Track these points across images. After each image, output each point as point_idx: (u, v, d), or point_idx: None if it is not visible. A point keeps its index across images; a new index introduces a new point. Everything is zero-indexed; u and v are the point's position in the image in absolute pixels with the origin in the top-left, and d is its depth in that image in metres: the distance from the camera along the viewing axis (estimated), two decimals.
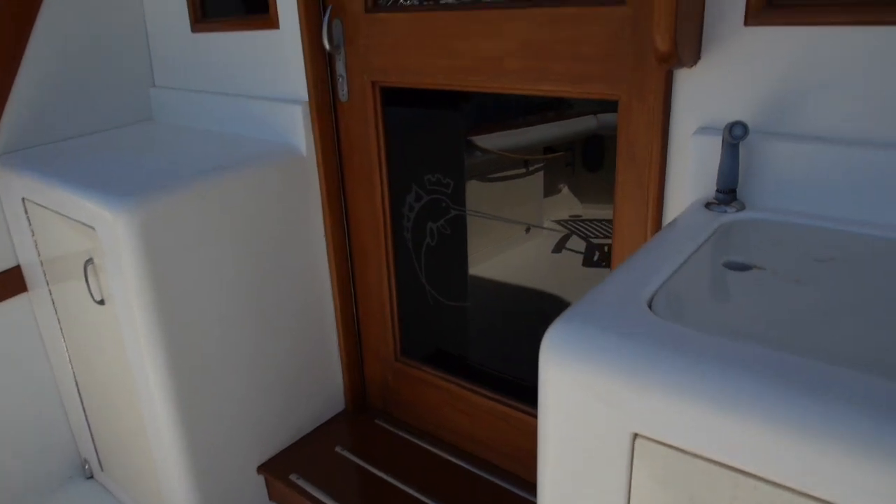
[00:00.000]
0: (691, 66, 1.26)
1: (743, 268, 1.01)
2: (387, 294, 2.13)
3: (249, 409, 2.06)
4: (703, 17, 1.24)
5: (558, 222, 5.46)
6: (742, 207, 1.21)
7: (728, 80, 1.25)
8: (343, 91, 1.97)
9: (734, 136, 1.14)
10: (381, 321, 2.20)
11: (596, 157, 5.70)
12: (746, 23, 1.20)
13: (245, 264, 1.93)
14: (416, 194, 2.12)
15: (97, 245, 1.80)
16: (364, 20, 1.85)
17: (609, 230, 5.56)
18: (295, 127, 2.02)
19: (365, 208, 2.07)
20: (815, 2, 1.13)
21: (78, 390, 2.31)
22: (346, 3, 1.87)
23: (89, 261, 1.87)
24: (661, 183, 1.40)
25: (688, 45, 1.20)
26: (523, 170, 4.82)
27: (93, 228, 1.79)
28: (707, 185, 1.30)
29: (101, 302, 1.90)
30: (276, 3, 1.97)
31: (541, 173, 5.04)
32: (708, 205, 1.24)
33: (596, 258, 4.57)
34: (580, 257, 4.63)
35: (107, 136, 2.38)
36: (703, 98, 1.29)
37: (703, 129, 1.29)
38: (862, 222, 1.12)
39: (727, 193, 1.22)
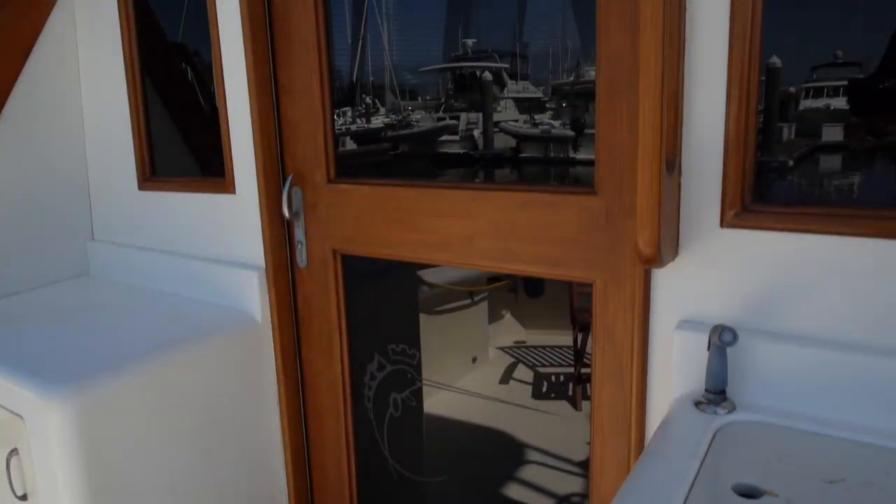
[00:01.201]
0: (670, 261, 1.27)
1: (754, 493, 0.96)
2: (346, 468, 1.99)
3: None
4: (679, 217, 1.26)
5: (503, 349, 5.43)
6: (733, 408, 1.19)
7: (707, 277, 1.26)
8: (302, 257, 1.91)
9: (723, 341, 1.14)
10: (339, 497, 2.04)
11: (537, 283, 5.79)
12: (723, 224, 1.23)
13: (190, 442, 1.77)
14: (378, 363, 2.03)
15: (23, 435, 1.61)
16: (326, 190, 1.83)
17: (553, 357, 5.53)
18: (250, 293, 1.92)
19: (324, 377, 1.96)
20: (789, 210, 1.17)
21: None
22: (307, 173, 1.84)
23: (13, 451, 1.66)
24: (644, 369, 1.38)
25: (668, 247, 1.22)
26: (468, 301, 4.82)
27: (20, 417, 1.61)
28: (692, 376, 1.28)
29: (24, 497, 1.68)
30: (233, 169, 1.92)
31: (485, 303, 5.04)
32: (698, 404, 1.21)
33: (545, 389, 4.52)
34: (529, 388, 4.58)
35: (40, 297, 2.21)
36: (683, 292, 1.30)
37: (686, 323, 1.29)
38: (854, 427, 1.11)
39: (717, 394, 1.19)
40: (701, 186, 1.24)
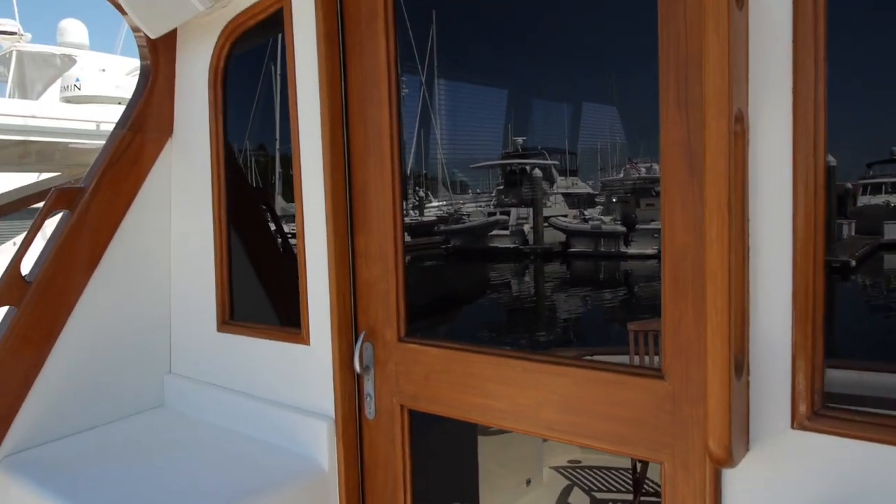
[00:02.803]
0: (742, 458, 1.28)
1: None
2: None
3: None
4: (749, 415, 1.28)
5: (558, 470, 5.28)
6: None
7: (780, 475, 1.27)
8: (370, 409, 1.98)
9: None
10: None
11: None
12: (794, 426, 1.24)
13: None
14: None
15: None
16: (396, 348, 1.91)
17: (611, 481, 5.32)
18: (318, 442, 1.99)
19: None
20: (863, 418, 1.18)
21: None
22: (380, 330, 1.94)
23: None
24: None
25: (739, 446, 1.23)
26: None
27: None
28: None
29: None
30: (308, 322, 2.04)
31: None
32: None
33: None
34: None
35: (119, 431, 2.33)
36: (755, 487, 1.30)
37: None
38: None
39: None
40: (770, 387, 1.26)
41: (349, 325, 1.98)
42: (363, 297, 1.97)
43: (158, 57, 2.35)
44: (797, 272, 1.22)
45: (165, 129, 2.43)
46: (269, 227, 2.58)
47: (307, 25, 1.93)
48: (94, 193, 2.28)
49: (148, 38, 2.26)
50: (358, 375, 1.99)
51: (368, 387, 1.98)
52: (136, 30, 2.23)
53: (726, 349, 1.16)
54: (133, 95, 2.36)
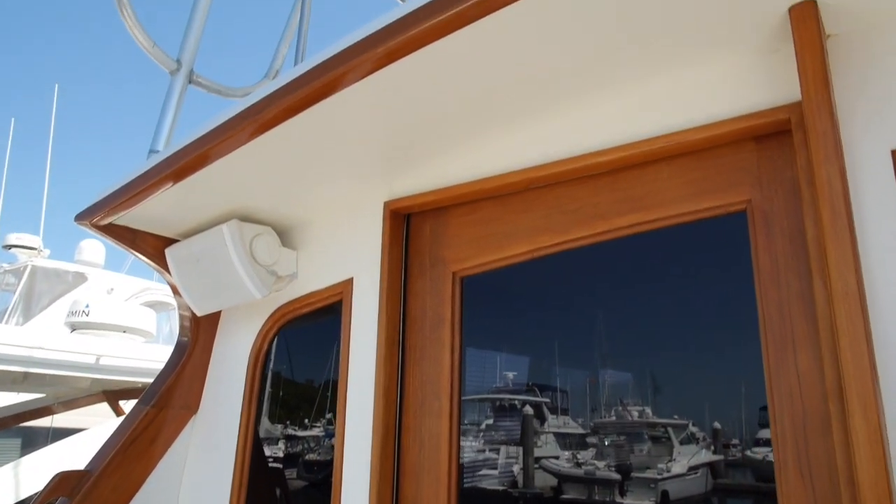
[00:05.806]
0: None
1: None
2: None
3: None
4: None
5: None
6: None
7: None
8: None
9: None
10: None
11: None
12: None
13: None
14: None
15: None
16: None
17: None
18: None
19: None
20: None
21: None
22: None
23: None
24: None
25: None
26: None
27: None
28: None
29: None
30: None
31: None
32: None
33: None
34: None
35: None
36: None
37: None
38: None
39: None
40: None
41: None
42: None
43: (199, 334, 2.27)
44: None
45: (192, 405, 2.27)
46: None
47: (367, 324, 1.87)
48: (101, 478, 2.06)
49: (193, 316, 2.19)
50: None
51: None
52: (183, 308, 2.16)
53: None
54: (164, 369, 2.24)
